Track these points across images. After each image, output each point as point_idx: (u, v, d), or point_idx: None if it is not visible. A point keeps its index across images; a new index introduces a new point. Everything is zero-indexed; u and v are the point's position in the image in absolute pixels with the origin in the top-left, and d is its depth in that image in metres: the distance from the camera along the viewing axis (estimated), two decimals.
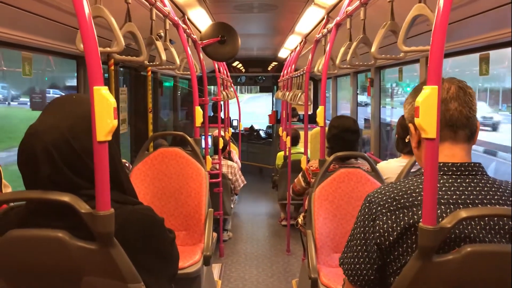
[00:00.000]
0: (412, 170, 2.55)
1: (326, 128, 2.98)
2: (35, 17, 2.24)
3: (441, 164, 1.20)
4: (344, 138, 2.93)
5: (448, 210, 1.13)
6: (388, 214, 1.18)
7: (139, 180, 2.84)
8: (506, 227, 1.12)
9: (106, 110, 1.00)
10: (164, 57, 2.28)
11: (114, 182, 1.19)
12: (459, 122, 1.20)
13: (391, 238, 1.16)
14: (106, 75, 3.47)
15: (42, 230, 1.09)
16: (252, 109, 14.42)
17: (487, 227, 1.12)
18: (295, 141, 5.89)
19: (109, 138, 1.01)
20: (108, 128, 1.01)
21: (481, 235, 1.12)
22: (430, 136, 1.00)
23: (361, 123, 5.77)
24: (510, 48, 2.34)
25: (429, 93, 0.99)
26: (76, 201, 1.05)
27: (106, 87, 1.01)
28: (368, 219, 1.22)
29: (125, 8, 2.01)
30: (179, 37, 2.91)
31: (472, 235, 1.12)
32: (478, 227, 1.12)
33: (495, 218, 1.13)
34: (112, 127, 1.01)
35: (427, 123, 1.00)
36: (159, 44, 2.27)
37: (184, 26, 3.02)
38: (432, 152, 1.01)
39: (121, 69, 4.32)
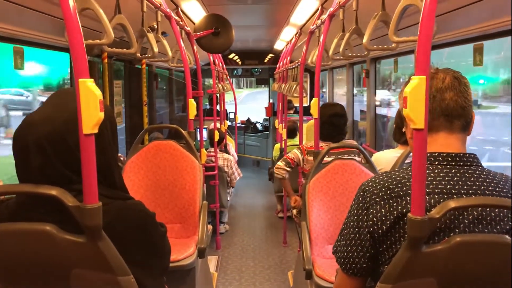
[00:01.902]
0: (406, 161, 2.56)
1: None
2: (26, 10, 2.23)
3: (436, 154, 1.21)
4: (333, 123, 3.14)
5: (441, 200, 1.13)
6: (382, 203, 1.18)
7: (133, 173, 2.83)
8: (497, 218, 1.13)
9: (92, 103, 1.00)
10: (156, 49, 2.27)
11: (105, 177, 1.19)
12: (454, 112, 1.21)
13: (384, 227, 1.17)
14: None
15: (30, 224, 1.09)
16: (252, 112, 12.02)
17: (479, 217, 1.13)
18: (293, 134, 5.88)
19: (96, 130, 1.01)
20: (94, 121, 1.00)
21: (471, 225, 1.12)
22: (418, 126, 1.00)
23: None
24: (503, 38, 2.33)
25: (417, 83, 0.99)
26: (63, 195, 1.05)
27: (92, 80, 1.00)
28: (361, 207, 1.23)
29: (115, 0, 1.99)
30: (172, 29, 2.90)
31: (462, 225, 1.12)
32: (470, 217, 1.12)
33: (487, 209, 1.13)
34: (98, 120, 1.01)
35: (415, 113, 0.99)
36: (151, 36, 2.25)
37: (177, 18, 3.00)
38: (420, 142, 1.01)
39: (116, 62, 4.30)
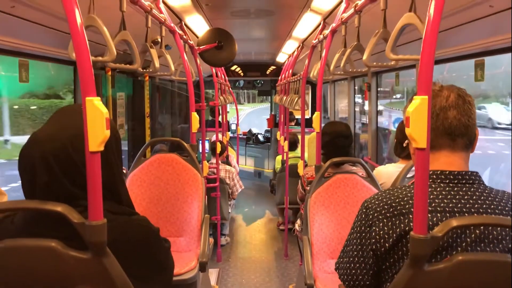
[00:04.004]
0: (408, 176, 2.56)
1: None
2: (32, 24, 2.25)
3: (438, 172, 1.21)
4: (337, 144, 2.98)
5: (443, 219, 1.14)
6: (385, 220, 1.19)
7: (135, 186, 2.84)
8: (499, 236, 1.13)
9: (98, 121, 1.01)
10: (157, 64, 2.28)
11: (110, 192, 1.20)
12: (457, 131, 1.21)
13: (387, 245, 1.17)
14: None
15: (35, 240, 1.10)
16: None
17: (482, 236, 1.13)
18: (293, 146, 5.90)
19: (102, 148, 1.02)
20: (101, 139, 1.01)
21: (473, 244, 1.13)
22: (420, 146, 1.00)
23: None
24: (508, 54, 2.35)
25: (419, 103, 1.00)
26: (69, 211, 1.05)
27: (99, 98, 1.01)
28: (364, 225, 1.23)
29: (121, 15, 2.02)
30: (176, 43, 2.92)
31: (464, 243, 1.12)
32: (472, 236, 1.13)
33: (489, 227, 1.13)
34: (104, 138, 1.02)
35: (417, 133, 1.00)
36: (153, 51, 2.27)
37: (180, 32, 3.03)
38: (423, 162, 1.02)
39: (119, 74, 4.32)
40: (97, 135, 1.01)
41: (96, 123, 1.01)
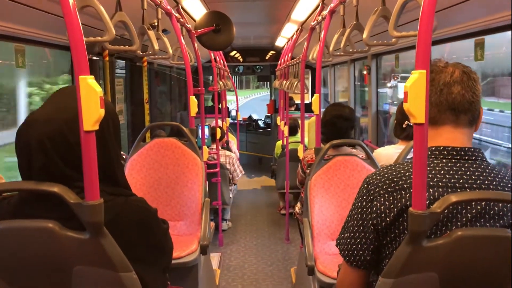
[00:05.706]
0: (408, 157, 2.55)
1: None
2: (27, 8, 2.23)
3: (441, 148, 1.21)
4: (336, 125, 2.97)
5: (445, 194, 1.14)
6: (386, 195, 1.19)
7: (135, 171, 2.84)
8: (500, 212, 1.13)
9: (92, 100, 1.00)
10: (156, 46, 2.26)
11: (107, 174, 1.20)
12: (461, 106, 1.20)
13: (388, 219, 1.17)
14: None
15: (32, 221, 1.10)
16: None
17: (482, 212, 1.13)
18: (294, 131, 5.90)
19: (96, 127, 1.01)
20: (95, 118, 1.00)
21: (473, 220, 1.12)
22: (418, 121, 1.00)
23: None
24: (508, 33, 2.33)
25: (417, 77, 0.98)
26: (65, 191, 1.05)
27: (92, 76, 1.00)
28: (366, 200, 1.24)
29: None
30: (172, 26, 2.89)
31: (464, 219, 1.12)
32: (473, 211, 1.13)
33: (490, 203, 1.13)
34: (99, 117, 1.01)
35: (416, 108, 0.99)
36: (151, 33, 2.25)
37: (177, 15, 3.00)
38: (421, 137, 1.01)
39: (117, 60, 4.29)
40: (91, 114, 1.00)
41: (90, 102, 1.00)
